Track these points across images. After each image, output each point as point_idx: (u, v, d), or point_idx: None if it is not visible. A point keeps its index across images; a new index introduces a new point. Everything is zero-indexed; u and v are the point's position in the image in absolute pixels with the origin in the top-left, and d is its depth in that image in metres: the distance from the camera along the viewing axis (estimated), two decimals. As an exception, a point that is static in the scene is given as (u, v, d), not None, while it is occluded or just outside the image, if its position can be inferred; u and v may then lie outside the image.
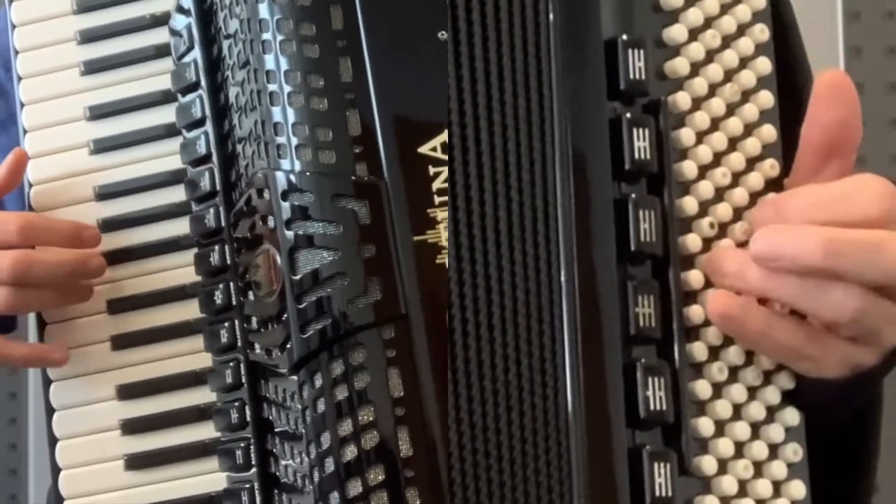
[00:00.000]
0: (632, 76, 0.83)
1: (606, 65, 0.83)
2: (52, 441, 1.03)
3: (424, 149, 0.87)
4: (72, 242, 1.01)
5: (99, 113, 1.04)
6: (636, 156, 0.82)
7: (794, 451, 0.84)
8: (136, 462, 1.01)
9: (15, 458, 2.15)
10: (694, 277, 0.83)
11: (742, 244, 0.84)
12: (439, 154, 0.87)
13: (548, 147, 0.82)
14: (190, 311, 1.00)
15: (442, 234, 0.86)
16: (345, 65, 0.89)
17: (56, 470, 1.03)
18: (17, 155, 1.02)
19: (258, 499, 0.94)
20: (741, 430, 0.83)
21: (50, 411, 1.03)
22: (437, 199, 0.87)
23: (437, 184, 0.87)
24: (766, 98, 0.86)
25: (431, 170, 0.87)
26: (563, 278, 0.81)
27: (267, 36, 0.89)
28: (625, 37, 0.83)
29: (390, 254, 0.86)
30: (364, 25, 0.88)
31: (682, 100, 0.84)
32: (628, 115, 0.83)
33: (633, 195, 0.82)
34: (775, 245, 0.78)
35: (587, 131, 0.82)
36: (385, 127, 0.88)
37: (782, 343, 0.81)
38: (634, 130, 0.82)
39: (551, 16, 0.83)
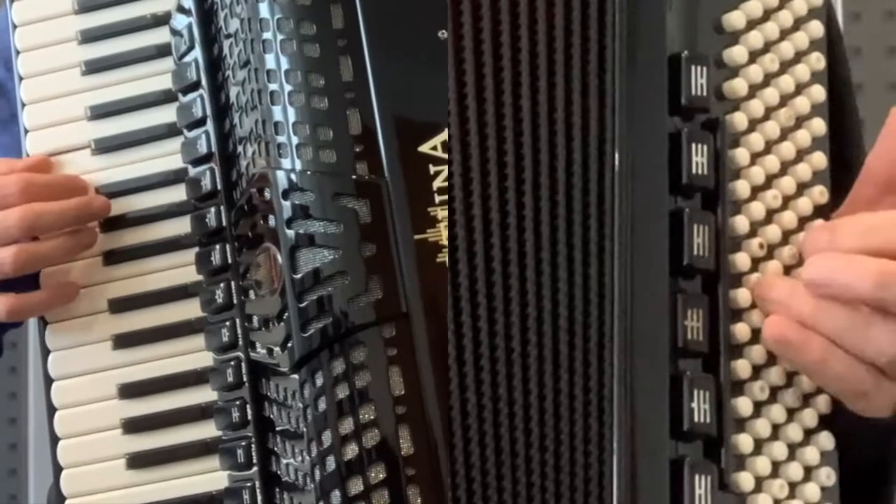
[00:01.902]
0: (694, 92, 0.83)
1: (669, 80, 0.83)
2: (54, 440, 1.03)
3: (425, 148, 0.88)
4: (68, 194, 1.02)
5: (100, 113, 1.05)
6: (693, 170, 0.82)
7: (828, 476, 0.84)
8: (138, 461, 1.01)
9: (15, 458, 2.15)
10: (742, 296, 0.83)
11: (788, 268, 0.84)
12: (440, 153, 0.87)
13: (607, 157, 0.82)
14: (191, 310, 1.00)
15: (442, 233, 0.86)
16: (345, 64, 0.89)
17: (58, 469, 1.03)
18: None
19: (259, 497, 0.94)
20: (779, 449, 0.83)
21: (51, 410, 1.03)
22: (437, 198, 0.87)
23: (438, 182, 0.87)
24: (819, 125, 0.87)
25: (432, 168, 0.87)
26: (615, 286, 0.81)
27: (267, 35, 0.89)
28: (688, 53, 0.83)
29: (391, 252, 0.87)
30: (364, 25, 0.88)
31: (738, 120, 0.85)
32: (687, 129, 0.83)
33: (688, 209, 0.82)
34: (829, 271, 0.78)
35: (647, 143, 0.82)
36: (385, 126, 0.88)
37: (839, 373, 0.80)
38: (693, 146, 0.82)
39: (617, 25, 0.83)
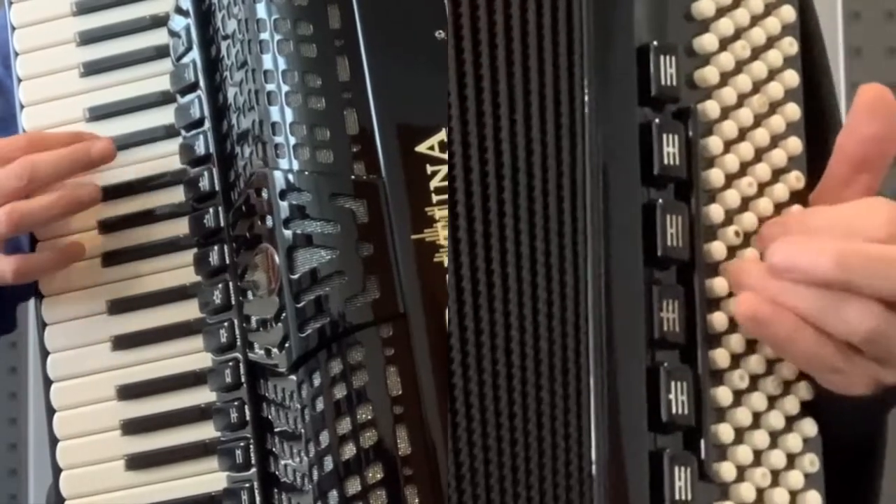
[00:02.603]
0: (663, 82, 0.83)
1: (638, 71, 0.83)
2: (53, 441, 1.03)
3: (422, 147, 0.88)
4: (72, 142, 1.01)
5: (99, 114, 1.05)
6: (665, 161, 0.82)
7: (811, 462, 0.84)
8: (137, 462, 1.01)
9: (15, 458, 2.15)
10: (718, 285, 0.83)
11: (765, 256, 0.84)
12: (437, 153, 0.87)
13: (578, 150, 0.82)
14: (189, 311, 1.00)
15: (440, 233, 0.86)
16: (342, 64, 0.89)
17: (57, 470, 1.03)
18: None
19: (258, 498, 0.94)
20: (760, 438, 0.83)
21: (51, 411, 1.03)
22: (434, 198, 0.87)
23: (435, 182, 0.87)
24: (793, 110, 0.86)
25: (429, 168, 0.87)
26: (589, 278, 0.81)
27: (264, 36, 0.89)
28: (657, 43, 0.83)
29: (388, 252, 0.87)
30: (361, 25, 0.89)
31: (710, 108, 0.85)
32: (658, 120, 0.83)
33: (661, 200, 0.82)
34: (790, 256, 0.79)
35: (617, 135, 0.82)
36: (383, 126, 0.88)
37: (810, 350, 0.81)
38: (664, 136, 0.82)
39: (584, 19, 0.83)
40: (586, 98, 0.82)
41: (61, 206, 1.00)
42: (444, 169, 0.87)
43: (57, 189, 1.00)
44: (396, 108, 0.88)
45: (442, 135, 0.86)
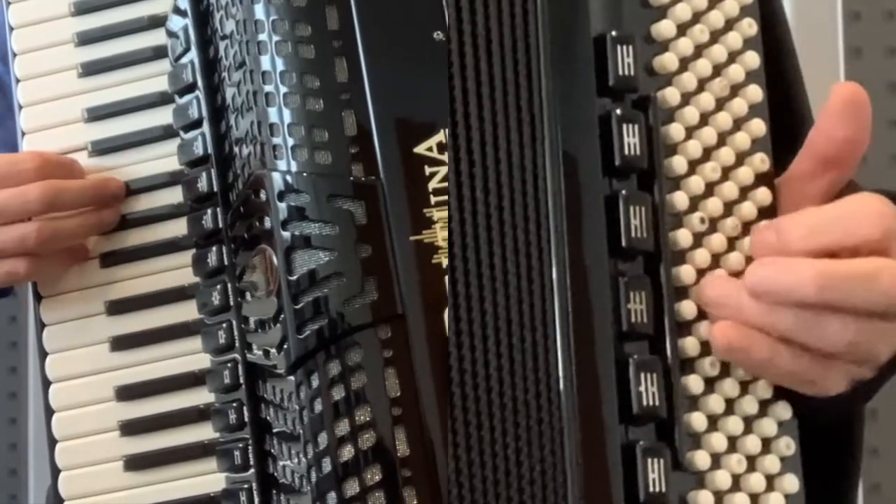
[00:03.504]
0: (621, 72, 0.83)
1: (595, 61, 0.83)
2: (52, 442, 1.03)
3: (420, 149, 0.87)
4: (81, 174, 1.03)
5: (97, 114, 1.05)
6: (626, 152, 0.82)
7: (787, 445, 0.84)
8: (136, 463, 1.01)
9: (15, 458, 2.15)
10: (685, 273, 0.83)
11: (732, 240, 0.84)
12: (435, 154, 0.87)
13: (538, 144, 0.82)
14: (188, 311, 1.00)
15: (438, 234, 0.86)
16: (340, 65, 0.89)
17: (56, 471, 1.03)
18: None
19: (256, 499, 0.94)
20: (734, 424, 0.83)
21: (49, 412, 1.03)
22: (433, 199, 0.87)
23: (434, 184, 0.87)
24: (755, 92, 0.86)
25: (427, 170, 0.87)
26: (554, 276, 0.81)
27: (263, 37, 0.89)
28: (614, 33, 0.83)
29: (387, 254, 0.87)
30: (359, 26, 0.88)
31: (671, 95, 0.85)
32: (618, 111, 0.83)
33: (624, 191, 0.82)
34: (768, 279, 0.79)
35: (577, 128, 0.82)
36: (381, 127, 0.88)
37: (786, 369, 0.81)
38: (624, 126, 0.82)
39: (539, 12, 0.83)
40: (543, 91, 0.82)
41: (90, 225, 1.02)
42: (443, 170, 0.86)
43: (83, 212, 1.02)
44: (395, 110, 0.88)
45: (440, 136, 0.86)
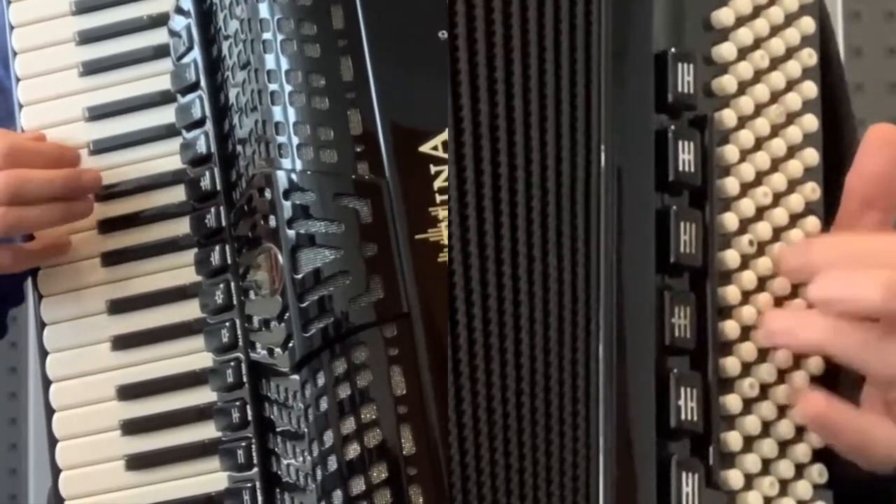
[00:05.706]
0: (680, 89, 0.83)
1: (655, 78, 0.83)
2: (53, 442, 1.03)
3: (425, 148, 0.87)
4: (58, 163, 1.02)
5: (98, 114, 1.05)
6: (680, 168, 0.83)
7: (820, 473, 0.84)
8: (137, 462, 1.01)
9: (15, 458, 2.15)
10: (731, 293, 0.83)
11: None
12: (440, 153, 0.87)
13: (593, 154, 0.82)
14: (190, 311, 1.00)
15: (443, 233, 0.86)
16: (346, 64, 0.89)
17: (56, 471, 1.03)
18: None
19: (260, 498, 0.94)
20: (769, 447, 0.83)
21: (50, 411, 1.03)
22: (438, 198, 0.87)
23: (439, 182, 0.87)
24: (811, 122, 0.87)
25: (432, 168, 0.87)
26: (602, 283, 0.81)
27: (268, 36, 0.89)
28: (675, 50, 0.83)
29: (392, 252, 0.87)
30: (365, 25, 0.88)
31: (727, 117, 0.85)
32: (674, 127, 0.83)
33: (675, 207, 0.82)
34: (839, 288, 0.78)
35: (633, 140, 0.83)
36: (386, 126, 0.88)
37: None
38: (680, 143, 0.83)
39: (602, 23, 0.83)
40: (602, 103, 0.83)
41: (57, 216, 1.01)
42: (447, 169, 0.86)
43: (50, 201, 1.01)
44: (400, 108, 0.88)
45: (445, 135, 0.86)
